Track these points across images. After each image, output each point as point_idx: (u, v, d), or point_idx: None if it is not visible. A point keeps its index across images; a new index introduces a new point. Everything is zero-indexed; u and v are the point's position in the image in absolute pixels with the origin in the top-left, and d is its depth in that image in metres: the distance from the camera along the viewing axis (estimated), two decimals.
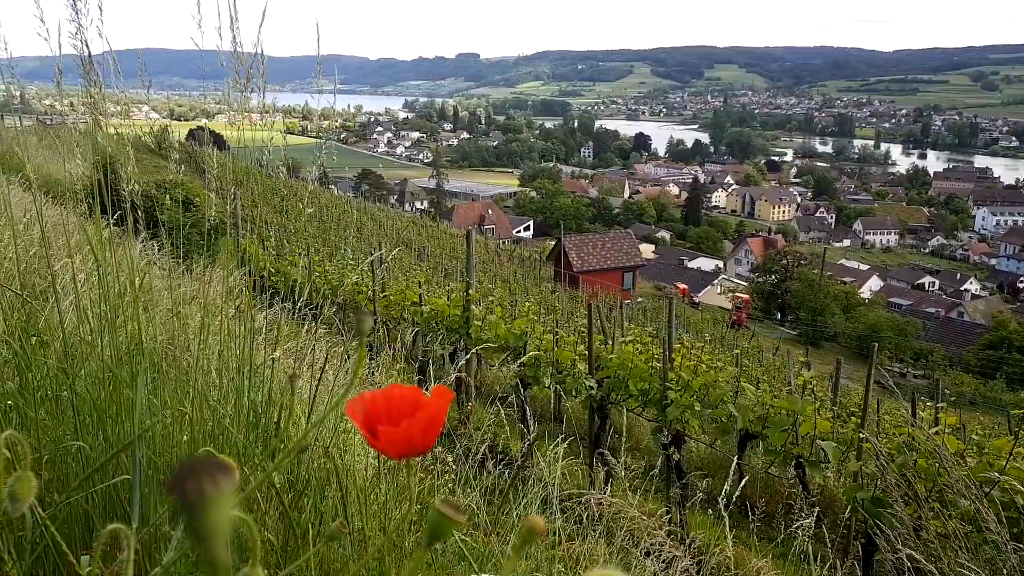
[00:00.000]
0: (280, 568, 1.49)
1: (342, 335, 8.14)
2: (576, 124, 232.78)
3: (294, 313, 4.78)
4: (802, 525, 3.71)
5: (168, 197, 2.24)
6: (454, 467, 3.81)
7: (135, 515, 0.82)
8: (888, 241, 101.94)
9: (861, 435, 3.66)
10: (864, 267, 76.98)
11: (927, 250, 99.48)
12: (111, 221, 2.54)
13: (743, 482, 3.92)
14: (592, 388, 4.95)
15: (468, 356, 6.70)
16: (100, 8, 1.96)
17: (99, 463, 1.31)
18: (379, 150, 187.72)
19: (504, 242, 59.90)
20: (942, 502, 3.18)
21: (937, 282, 75.84)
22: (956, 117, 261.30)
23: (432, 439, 0.62)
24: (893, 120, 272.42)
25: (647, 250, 63.98)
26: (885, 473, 3.01)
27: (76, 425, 1.67)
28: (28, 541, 1.22)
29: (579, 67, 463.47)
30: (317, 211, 29.61)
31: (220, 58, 2.24)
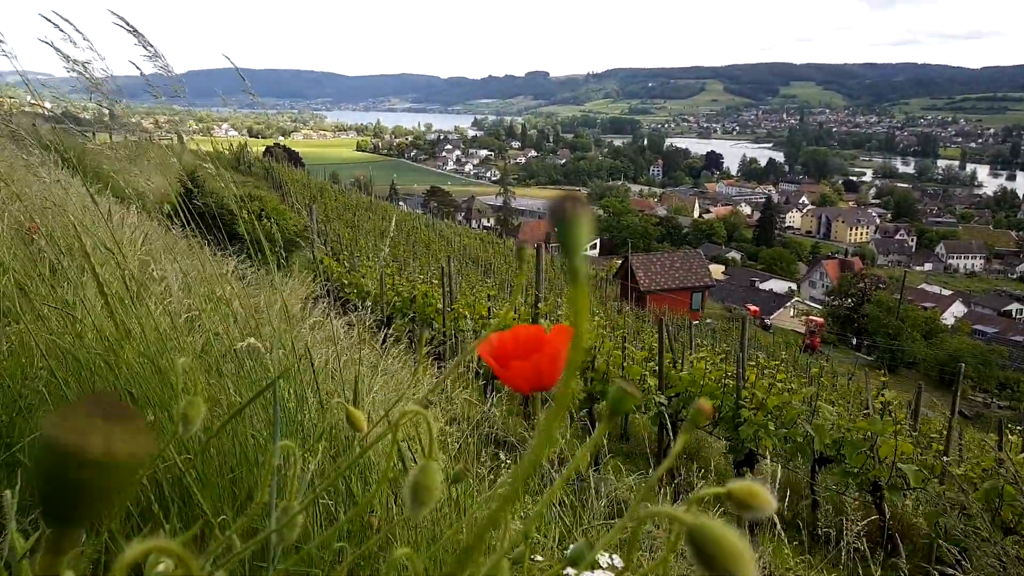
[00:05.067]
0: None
1: (411, 344, 8.27)
2: (645, 142, 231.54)
3: (366, 323, 4.89)
4: (858, 543, 3.59)
5: (245, 211, 2.33)
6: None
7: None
8: (973, 266, 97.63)
9: (945, 459, 3.54)
10: (947, 292, 73.93)
11: (1015, 276, 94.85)
12: (191, 232, 2.66)
13: (802, 502, 3.82)
14: (663, 404, 4.90)
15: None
16: None
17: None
18: (448, 167, 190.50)
19: None
20: None
21: None
22: None
23: (558, 374, 0.66)
24: (980, 140, 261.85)
25: (717, 271, 62.93)
26: (969, 498, 2.89)
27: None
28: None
29: (649, 85, 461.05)
30: (387, 226, 30.16)
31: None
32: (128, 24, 1.82)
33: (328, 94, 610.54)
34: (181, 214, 2.94)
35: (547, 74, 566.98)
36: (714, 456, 7.70)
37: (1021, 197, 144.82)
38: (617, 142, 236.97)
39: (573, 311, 0.42)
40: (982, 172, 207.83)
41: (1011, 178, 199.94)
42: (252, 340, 1.39)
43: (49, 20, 1.93)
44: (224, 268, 3.28)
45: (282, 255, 2.67)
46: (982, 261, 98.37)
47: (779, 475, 6.62)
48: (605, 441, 5.57)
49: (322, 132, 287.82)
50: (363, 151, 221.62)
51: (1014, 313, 70.10)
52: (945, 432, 4.34)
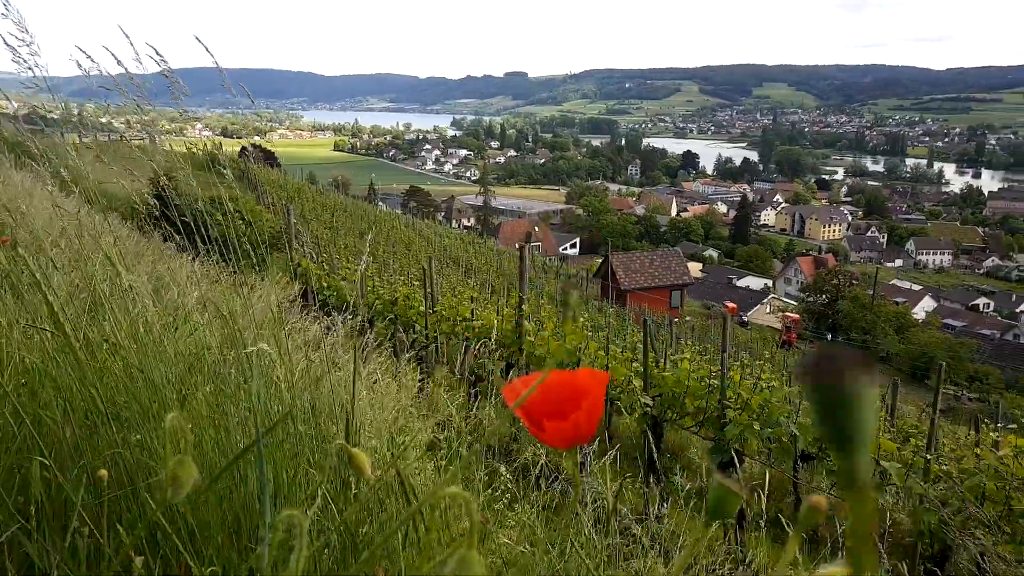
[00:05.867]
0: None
1: (394, 348, 8.23)
2: (623, 142, 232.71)
3: (346, 327, 4.87)
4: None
5: (220, 213, 2.30)
6: (512, 483, 3.84)
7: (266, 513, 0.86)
8: (941, 261, 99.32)
9: (928, 456, 3.60)
10: (917, 287, 75.14)
11: (982, 271, 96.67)
12: (164, 235, 2.62)
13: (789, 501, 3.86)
14: (648, 405, 4.93)
15: (521, 371, 6.74)
16: None
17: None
18: (427, 167, 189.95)
19: (550, 259, 59.94)
20: (1012, 526, 3.11)
21: (992, 303, 73.59)
22: (1011, 136, 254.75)
23: (595, 425, 0.62)
24: (946, 139, 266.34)
25: (694, 268, 63.38)
26: (953, 496, 2.94)
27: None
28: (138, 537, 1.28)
29: (627, 85, 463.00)
30: (367, 227, 30.04)
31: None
32: (161, 56, 1.79)
33: (305, 93, 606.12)
34: (153, 217, 2.89)
35: (526, 74, 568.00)
36: (696, 454, 7.76)
37: (986, 194, 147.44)
38: (595, 142, 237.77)
39: (853, 533, 0.30)
40: (949, 170, 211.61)
41: (976, 176, 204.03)
42: (263, 346, 1.37)
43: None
44: (196, 271, 3.24)
45: (259, 257, 2.63)
46: (950, 257, 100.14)
47: (764, 475, 6.69)
48: (593, 446, 5.59)
49: (299, 132, 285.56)
50: (341, 151, 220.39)
51: (981, 307, 71.39)
52: (926, 428, 4.41)
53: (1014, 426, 3.73)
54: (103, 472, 1.24)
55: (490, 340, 7.52)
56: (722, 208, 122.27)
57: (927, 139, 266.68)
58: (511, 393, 0.63)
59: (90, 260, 2.25)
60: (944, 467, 3.63)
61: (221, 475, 1.32)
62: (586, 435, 0.62)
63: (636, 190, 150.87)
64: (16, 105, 2.87)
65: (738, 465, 4.60)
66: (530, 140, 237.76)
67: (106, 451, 1.61)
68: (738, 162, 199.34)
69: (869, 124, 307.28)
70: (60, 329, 1.77)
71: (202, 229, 2.47)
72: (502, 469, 3.32)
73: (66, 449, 1.53)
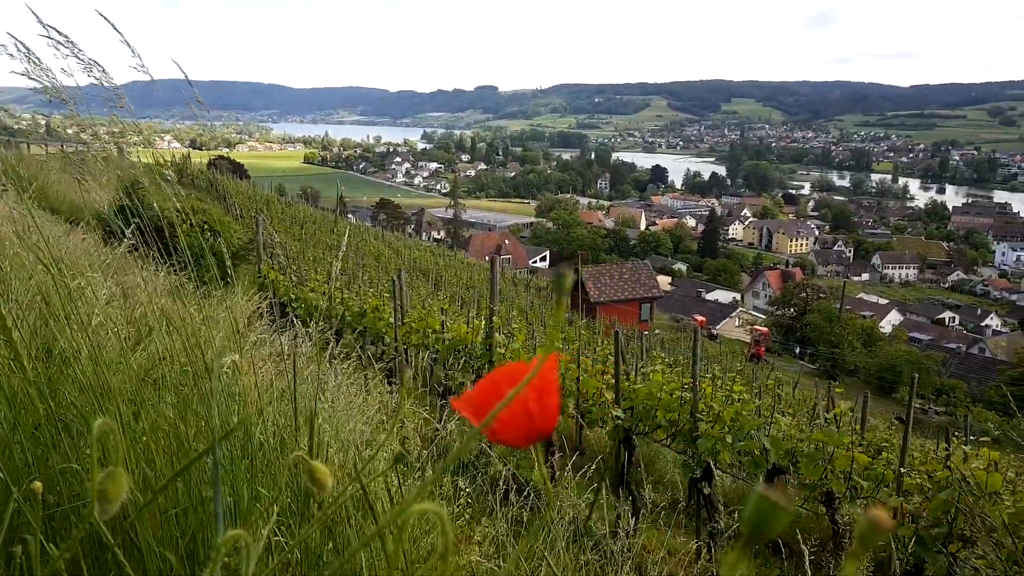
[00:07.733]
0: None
1: (362, 360, 8.09)
2: (593, 156, 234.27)
3: (314, 339, 4.75)
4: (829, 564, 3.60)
5: (187, 224, 2.20)
6: (475, 496, 3.74)
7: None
8: (907, 276, 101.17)
9: (903, 470, 3.57)
10: (883, 301, 76.39)
11: (947, 285, 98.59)
12: (131, 246, 2.51)
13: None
14: (620, 418, 4.87)
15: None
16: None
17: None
18: (397, 180, 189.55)
19: (520, 272, 59.91)
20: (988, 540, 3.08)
21: (957, 317, 75.02)
22: (974, 152, 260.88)
23: (552, 409, 0.55)
24: (911, 155, 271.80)
25: (664, 282, 63.79)
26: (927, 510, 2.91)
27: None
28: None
29: (596, 100, 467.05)
30: (336, 239, 29.75)
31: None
32: (103, 70, 1.70)
33: (275, 106, 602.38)
34: (120, 228, 2.78)
35: (496, 88, 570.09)
36: (667, 467, 7.71)
37: (951, 209, 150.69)
38: (565, 155, 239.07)
39: None
40: (913, 186, 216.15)
41: (941, 191, 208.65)
42: (236, 357, 1.27)
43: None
44: (160, 282, 3.13)
45: (227, 269, 2.53)
46: (916, 271, 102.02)
47: (735, 488, 6.64)
48: (557, 453, 5.51)
49: (268, 144, 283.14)
50: (311, 163, 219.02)
51: (947, 321, 72.73)
52: (896, 441, 4.40)
53: (986, 439, 3.72)
54: (37, 484, 1.14)
55: (460, 352, 7.42)
56: (691, 222, 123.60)
57: (892, 155, 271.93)
58: (464, 403, 0.56)
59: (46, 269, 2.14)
60: (917, 480, 3.61)
61: (171, 482, 1.22)
62: (542, 426, 0.55)
63: (606, 203, 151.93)
64: None
65: (711, 479, 4.55)
66: (500, 153, 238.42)
67: (53, 467, 1.52)
68: (706, 176, 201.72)
69: (835, 140, 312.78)
70: (8, 338, 1.67)
71: (169, 240, 2.38)
72: (460, 483, 3.22)
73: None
